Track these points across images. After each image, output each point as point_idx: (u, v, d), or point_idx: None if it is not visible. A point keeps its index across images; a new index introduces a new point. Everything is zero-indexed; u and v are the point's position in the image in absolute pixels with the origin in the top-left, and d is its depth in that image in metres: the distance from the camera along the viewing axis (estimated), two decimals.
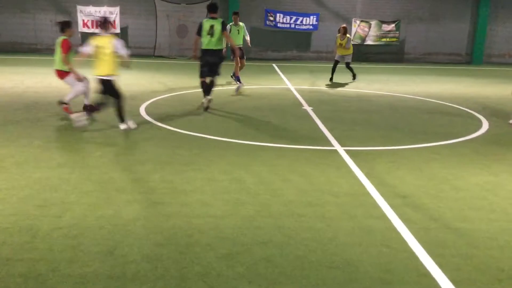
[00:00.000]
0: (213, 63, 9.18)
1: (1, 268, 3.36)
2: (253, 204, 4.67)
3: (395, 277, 3.42)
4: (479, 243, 3.95)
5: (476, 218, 4.46)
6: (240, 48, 12.92)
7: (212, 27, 9.06)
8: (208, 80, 9.29)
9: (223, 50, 9.52)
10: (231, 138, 7.16)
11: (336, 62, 14.47)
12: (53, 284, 3.18)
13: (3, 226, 4.00)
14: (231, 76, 13.50)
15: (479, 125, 8.57)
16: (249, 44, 14.11)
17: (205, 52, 9.18)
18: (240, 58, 12.75)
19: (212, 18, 9.15)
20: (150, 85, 12.42)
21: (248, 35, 13.85)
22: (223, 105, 10.02)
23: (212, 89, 9.42)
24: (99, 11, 20.19)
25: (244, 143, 6.93)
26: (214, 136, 7.27)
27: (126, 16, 20.59)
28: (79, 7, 20.14)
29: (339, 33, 14.36)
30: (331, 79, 14.41)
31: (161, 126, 7.82)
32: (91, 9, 20.13)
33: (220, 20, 9.20)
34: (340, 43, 14.25)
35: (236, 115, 9.09)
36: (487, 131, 8.09)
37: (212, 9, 9.14)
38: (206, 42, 9.15)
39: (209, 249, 3.74)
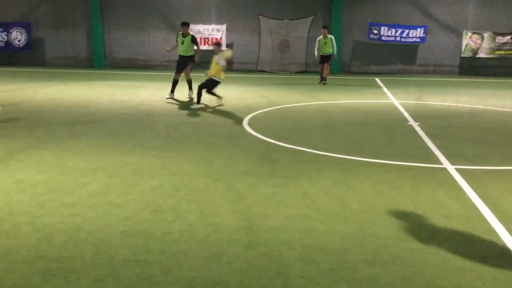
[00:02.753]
0: (184, 64, 12.60)
1: (118, 268, 3.64)
2: (356, 221, 4.59)
3: None
4: None
5: None
6: (329, 55, 16.37)
7: (182, 41, 12.50)
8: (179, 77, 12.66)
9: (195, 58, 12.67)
10: (332, 153, 7.11)
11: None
12: (165, 286, 3.38)
13: (120, 229, 4.34)
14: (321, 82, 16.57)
15: None
16: (335, 56, 16.72)
17: (179, 56, 12.69)
18: (326, 64, 16.42)
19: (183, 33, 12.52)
20: (253, 99, 12.77)
21: (335, 47, 16.43)
22: (325, 119, 9.99)
23: (191, 85, 12.54)
24: (208, 29, 21.21)
25: (346, 158, 6.85)
26: (315, 150, 7.27)
27: (231, 33, 21.41)
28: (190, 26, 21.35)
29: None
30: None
31: (263, 139, 8.00)
32: (200, 27, 21.22)
33: (190, 36, 12.53)
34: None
35: (338, 129, 9.01)
36: None
37: (184, 24, 12.62)
38: (180, 49, 12.59)
39: (312, 262, 3.74)
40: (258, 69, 21.36)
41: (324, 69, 16.43)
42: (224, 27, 21.16)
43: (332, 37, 16.48)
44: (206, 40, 21.06)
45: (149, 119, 9.77)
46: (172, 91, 12.53)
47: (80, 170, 6.11)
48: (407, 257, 3.86)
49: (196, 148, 7.40)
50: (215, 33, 21.19)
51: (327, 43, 16.22)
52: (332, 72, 20.23)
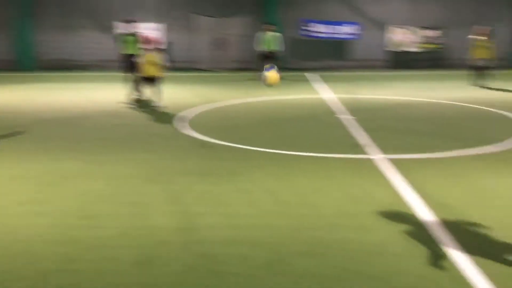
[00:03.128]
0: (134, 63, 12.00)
1: (47, 278, 3.50)
2: (289, 214, 4.67)
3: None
4: None
5: None
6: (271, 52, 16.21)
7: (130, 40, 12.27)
8: None
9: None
10: (269, 149, 7.19)
11: None
12: None
13: (48, 238, 4.16)
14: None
15: None
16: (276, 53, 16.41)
17: (129, 55, 12.25)
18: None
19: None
20: (191, 98, 12.66)
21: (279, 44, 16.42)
22: (262, 115, 10.08)
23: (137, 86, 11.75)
24: (145, 28, 20.75)
25: (282, 153, 6.95)
26: (252, 146, 7.33)
27: (171, 32, 21.07)
28: (118, 23, 20.83)
29: None
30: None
31: (200, 138, 7.95)
32: (137, 26, 20.72)
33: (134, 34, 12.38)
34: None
35: (274, 125, 9.13)
36: None
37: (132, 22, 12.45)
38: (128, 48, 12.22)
39: (248, 258, 3.77)
40: (195, 67, 21.20)
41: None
42: (160, 26, 20.81)
43: (277, 34, 16.59)
44: (145, 39, 20.65)
45: (83, 122, 9.44)
46: (137, 90, 11.81)
47: (6, 178, 5.81)
48: (341, 247, 3.98)
49: (132, 149, 7.24)
50: (152, 32, 20.77)
51: (272, 39, 16.26)
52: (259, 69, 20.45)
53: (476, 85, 14.15)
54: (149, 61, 11.03)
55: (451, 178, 5.74)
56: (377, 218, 4.56)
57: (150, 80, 11.05)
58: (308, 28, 20.61)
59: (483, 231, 4.22)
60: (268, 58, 16.36)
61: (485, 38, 14.14)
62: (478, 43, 14.21)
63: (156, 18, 21.12)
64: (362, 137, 7.90)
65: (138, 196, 5.20)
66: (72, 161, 6.58)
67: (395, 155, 6.71)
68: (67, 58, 21.70)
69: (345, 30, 20.71)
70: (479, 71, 14.21)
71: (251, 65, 21.20)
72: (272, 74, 10.04)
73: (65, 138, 8.04)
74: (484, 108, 10.66)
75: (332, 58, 21.34)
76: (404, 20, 20.77)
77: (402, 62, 20.85)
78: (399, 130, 8.57)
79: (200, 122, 9.35)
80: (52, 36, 21.41)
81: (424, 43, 20.79)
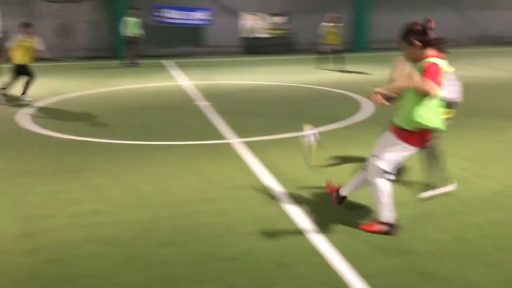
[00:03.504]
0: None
1: None
2: (148, 206, 4.57)
3: (290, 260, 3.54)
4: (364, 217, 4.22)
5: (360, 197, 4.74)
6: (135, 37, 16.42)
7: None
8: None
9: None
10: (124, 140, 6.93)
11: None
12: None
13: None
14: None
15: (359, 107, 9.12)
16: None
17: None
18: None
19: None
20: (34, 90, 11.60)
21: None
22: (115, 105, 9.67)
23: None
24: None
25: (138, 144, 6.75)
26: (104, 139, 6.99)
27: (7, 19, 18.99)
28: None
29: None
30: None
31: (44, 133, 7.35)
32: None
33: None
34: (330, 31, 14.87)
35: (129, 115, 8.82)
36: (371, 113, 8.62)
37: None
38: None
39: (101, 258, 3.60)
40: (38, 57, 19.47)
41: (133, 51, 16.62)
42: None
43: (139, 19, 16.61)
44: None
45: None
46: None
47: None
48: (200, 232, 4.01)
49: None
50: None
51: (136, 24, 16.39)
52: (119, 56, 19.64)
53: (324, 68, 15.17)
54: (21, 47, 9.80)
55: (298, 155, 6.11)
56: (235, 200, 4.68)
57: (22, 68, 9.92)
58: (161, 14, 20.20)
59: (326, 199, 4.57)
60: (132, 43, 16.47)
61: (334, 24, 15.01)
62: (329, 29, 15.07)
63: None
64: (218, 122, 8.02)
65: None
66: None
67: (250, 138, 6.94)
68: None
69: (198, 16, 20.73)
70: (330, 55, 15.06)
71: (101, 52, 20.16)
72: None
73: None
74: (330, 89, 11.54)
75: (186, 44, 21.24)
76: (255, 7, 21.47)
77: (254, 47, 21.57)
78: (252, 114, 8.88)
79: (46, 116, 8.64)
80: None
81: (273, 29, 21.75)
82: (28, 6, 19.29)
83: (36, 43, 10.05)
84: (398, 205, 4.39)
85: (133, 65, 16.48)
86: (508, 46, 21.98)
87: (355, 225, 4.05)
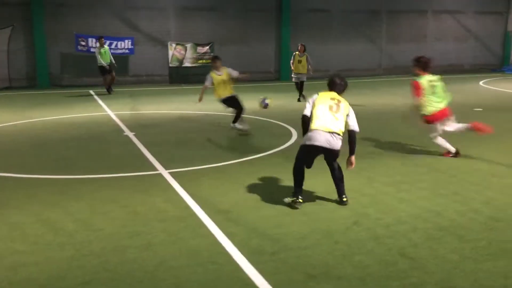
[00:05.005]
0: None
1: None
2: (71, 244, 4.38)
3: None
4: (292, 244, 4.32)
5: (289, 222, 4.86)
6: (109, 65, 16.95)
7: None
8: None
9: None
10: (43, 174, 6.62)
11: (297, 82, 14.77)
12: None
13: None
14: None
15: (290, 135, 9.39)
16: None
17: None
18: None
19: None
20: None
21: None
22: (35, 137, 9.22)
23: None
24: None
25: (60, 178, 6.48)
26: (21, 174, 6.64)
27: None
28: None
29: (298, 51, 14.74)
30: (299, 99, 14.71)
31: None
32: None
33: None
34: (299, 60, 14.63)
35: (49, 148, 8.45)
36: (297, 140, 8.90)
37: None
38: None
39: None
40: None
41: (107, 79, 16.93)
42: None
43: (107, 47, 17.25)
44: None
45: None
46: None
47: None
48: (126, 269, 3.89)
49: None
50: None
51: (106, 53, 16.98)
52: (40, 86, 18.88)
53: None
54: None
55: (227, 184, 6.16)
56: (164, 233, 4.60)
57: None
58: (85, 43, 19.73)
59: (259, 230, 4.63)
60: (107, 71, 16.86)
61: (302, 53, 14.78)
62: (297, 58, 14.78)
63: None
64: (145, 153, 7.89)
65: None
66: None
67: (177, 169, 6.88)
68: None
69: (123, 45, 20.46)
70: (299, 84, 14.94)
71: (21, 83, 19.25)
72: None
73: None
74: (261, 118, 11.76)
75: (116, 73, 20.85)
76: (180, 37, 21.59)
77: (180, 76, 21.62)
78: (179, 143, 8.82)
79: None
80: None
81: (198, 58, 21.95)
82: None
83: None
84: (330, 233, 4.56)
85: (109, 91, 17.05)
86: None
87: (287, 254, 4.13)
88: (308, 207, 5.30)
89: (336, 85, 5.49)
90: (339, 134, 5.18)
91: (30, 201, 5.53)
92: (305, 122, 5.35)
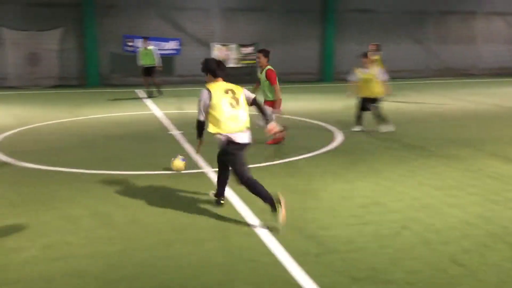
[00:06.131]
0: None
1: None
2: (121, 237, 4.49)
3: None
4: (339, 247, 4.27)
5: (335, 224, 4.81)
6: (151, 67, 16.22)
7: None
8: None
9: None
10: (93, 170, 6.83)
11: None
12: None
13: None
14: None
15: (332, 137, 9.29)
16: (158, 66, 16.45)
17: None
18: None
19: None
20: (1, 119, 11.35)
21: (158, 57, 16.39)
22: (84, 135, 9.53)
23: None
24: None
25: (109, 173, 6.66)
26: (74, 169, 6.87)
27: None
28: None
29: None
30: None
31: (12, 163, 7.17)
32: None
33: None
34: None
35: (98, 144, 8.71)
36: (340, 142, 8.80)
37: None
38: None
39: None
40: (5, 85, 19.10)
41: (147, 81, 16.35)
42: None
43: (152, 48, 16.43)
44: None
45: None
46: None
47: None
48: (173, 264, 3.95)
49: None
50: None
51: (149, 54, 16.13)
52: (90, 85, 19.50)
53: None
54: None
55: (269, 184, 6.14)
56: (210, 230, 4.65)
57: None
58: (132, 44, 20.25)
59: (304, 232, 4.60)
60: (148, 73, 16.37)
61: (375, 53, 14.18)
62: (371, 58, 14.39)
63: None
64: (190, 151, 8.00)
65: None
66: None
67: None
68: None
69: (169, 46, 20.85)
70: None
71: (72, 81, 19.96)
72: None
73: None
74: (303, 119, 11.71)
75: (160, 73, 21.29)
76: (224, 38, 21.80)
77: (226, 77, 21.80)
78: None
79: (13, 145, 8.44)
80: None
81: (241, 59, 22.10)
82: None
83: None
84: (378, 237, 4.48)
85: (159, 93, 16.51)
86: (466, 77, 22.97)
87: (332, 256, 4.09)
88: (355, 210, 5.23)
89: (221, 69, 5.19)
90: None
91: (82, 195, 5.71)
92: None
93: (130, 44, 20.27)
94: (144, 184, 6.19)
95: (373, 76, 9.52)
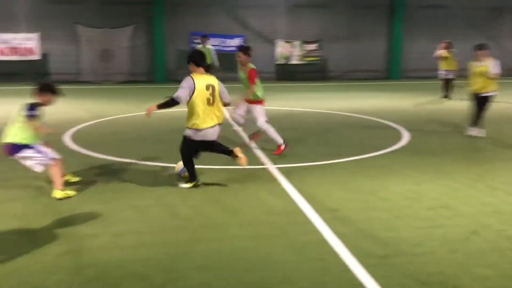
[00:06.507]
0: None
1: None
2: (186, 228, 4.62)
3: None
4: (406, 250, 4.16)
5: (401, 226, 4.69)
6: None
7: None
8: None
9: None
10: (161, 162, 7.06)
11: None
12: None
13: None
14: None
15: (399, 136, 9.05)
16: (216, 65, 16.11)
17: None
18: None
19: None
20: (76, 112, 12.00)
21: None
22: (152, 129, 9.87)
23: None
24: (16, 38, 19.44)
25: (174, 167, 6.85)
26: (144, 161, 7.13)
27: (46, 42, 19.85)
28: None
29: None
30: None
31: (88, 154, 7.56)
32: (7, 36, 19.38)
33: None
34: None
35: (167, 139, 8.99)
36: (407, 142, 8.55)
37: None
38: None
39: (143, 278, 3.65)
40: (79, 80, 20.19)
41: None
42: (36, 35, 19.53)
43: (210, 47, 16.26)
44: (14, 50, 19.41)
45: None
46: None
47: None
48: (237, 257, 4.02)
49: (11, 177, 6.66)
50: (25, 42, 19.47)
51: (207, 53, 15.82)
52: (158, 81, 20.17)
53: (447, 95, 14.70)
54: None
55: (333, 183, 6.09)
56: (272, 226, 4.68)
57: None
58: (198, 41, 20.68)
59: (369, 232, 4.52)
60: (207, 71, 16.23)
61: (447, 50, 14.59)
62: (442, 55, 14.57)
63: (29, 27, 19.86)
64: (254, 148, 8.07)
65: (22, 219, 4.79)
66: None
67: (286, 164, 6.95)
68: None
69: (233, 43, 21.13)
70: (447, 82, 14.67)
71: (141, 77, 20.75)
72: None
73: None
74: (368, 117, 11.49)
75: (223, 70, 21.64)
76: (288, 34, 21.78)
77: (287, 74, 21.81)
78: (287, 140, 8.88)
79: (87, 137, 8.90)
80: None
81: (305, 56, 21.97)
82: (68, 30, 20.07)
83: None
84: (447, 241, 4.33)
85: None
86: None
87: (399, 259, 3.99)
88: (422, 212, 5.07)
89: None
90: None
91: (151, 186, 5.93)
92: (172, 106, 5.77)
93: (196, 41, 20.73)
94: (209, 178, 6.32)
95: (486, 69, 8.99)
